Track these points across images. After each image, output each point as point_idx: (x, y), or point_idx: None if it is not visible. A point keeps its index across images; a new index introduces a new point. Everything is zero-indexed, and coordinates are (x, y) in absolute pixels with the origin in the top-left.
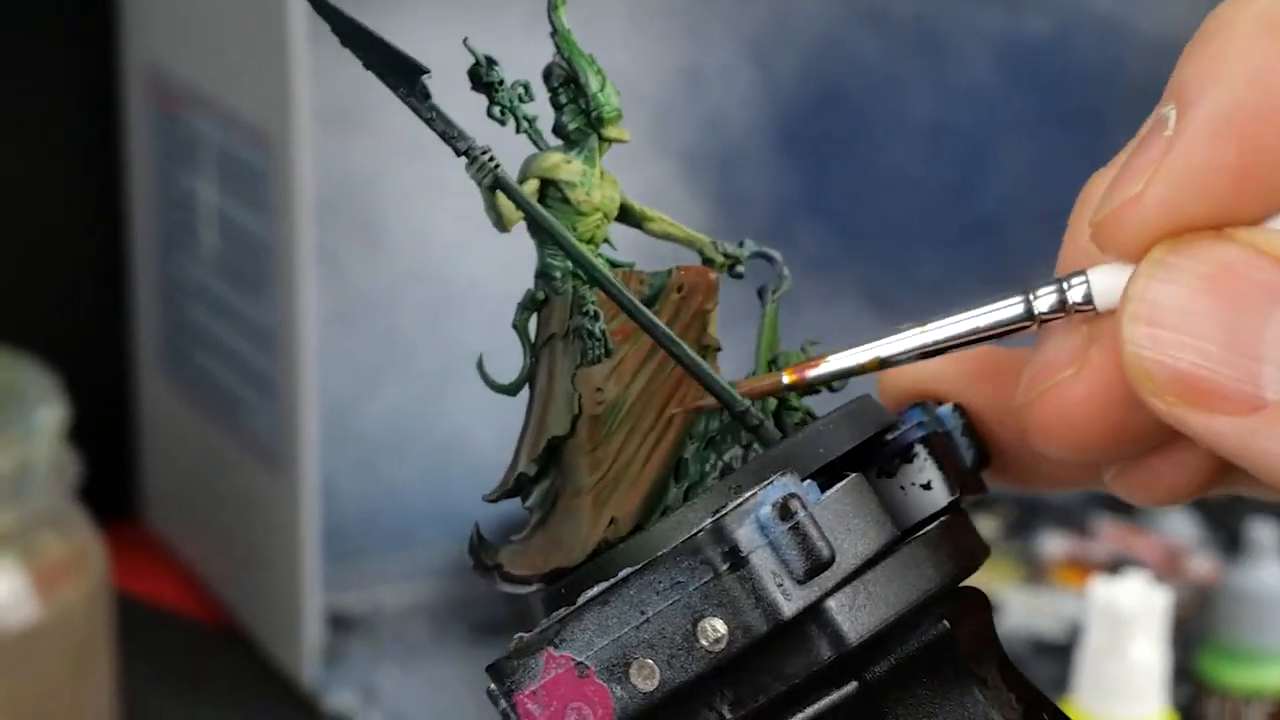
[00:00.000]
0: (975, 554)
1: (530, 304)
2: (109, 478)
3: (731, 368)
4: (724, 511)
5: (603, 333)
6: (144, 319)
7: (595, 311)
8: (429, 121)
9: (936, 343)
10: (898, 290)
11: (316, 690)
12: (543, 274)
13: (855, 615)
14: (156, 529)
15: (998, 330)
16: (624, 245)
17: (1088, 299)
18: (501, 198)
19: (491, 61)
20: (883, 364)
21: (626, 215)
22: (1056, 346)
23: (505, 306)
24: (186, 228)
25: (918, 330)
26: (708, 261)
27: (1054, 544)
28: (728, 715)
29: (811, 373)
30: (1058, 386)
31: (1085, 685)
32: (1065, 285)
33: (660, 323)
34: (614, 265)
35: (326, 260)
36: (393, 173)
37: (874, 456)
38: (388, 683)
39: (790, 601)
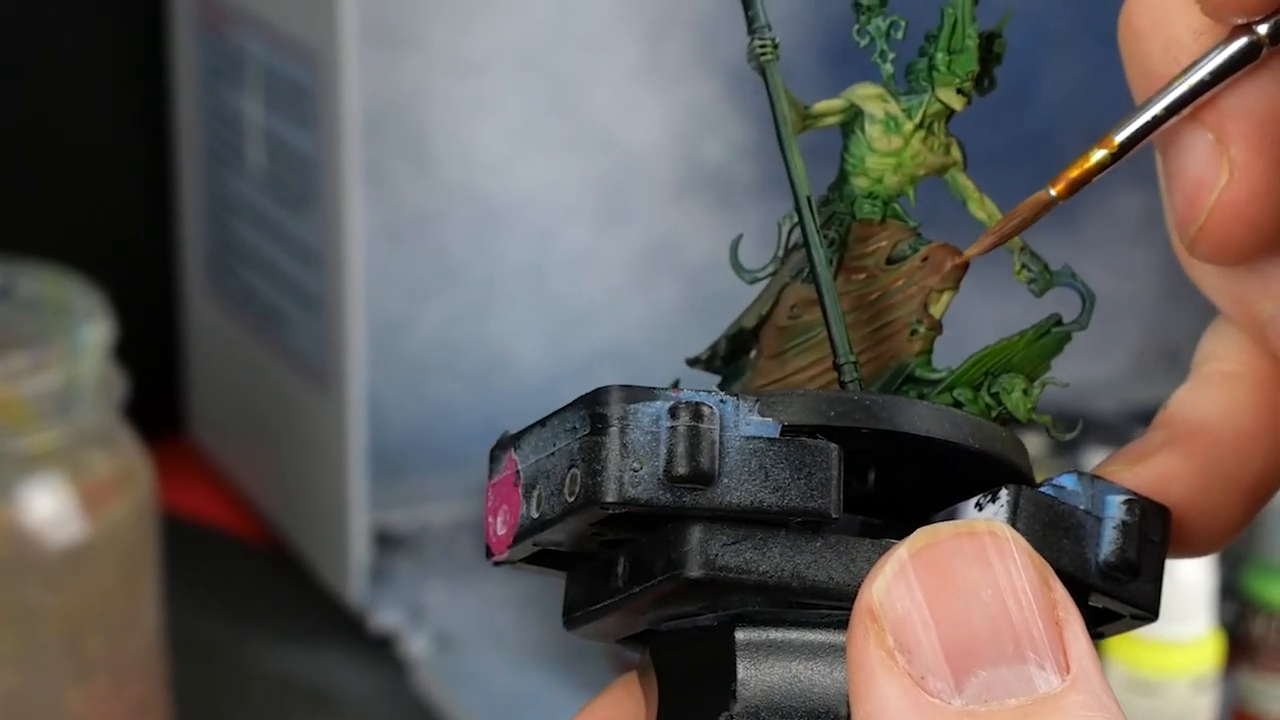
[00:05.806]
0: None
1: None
2: (155, 395)
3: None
4: (647, 391)
5: (832, 260)
6: (190, 236)
7: (833, 238)
8: None
9: (1167, 108)
10: (946, 206)
11: (363, 608)
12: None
13: (720, 553)
14: (203, 446)
15: (1225, 73)
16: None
17: None
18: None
19: None
20: (1120, 152)
21: (951, 185)
22: (1194, 163)
23: (551, 223)
24: (233, 145)
25: (1143, 108)
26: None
27: (1099, 459)
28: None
29: (1055, 188)
30: (1223, 195)
31: None
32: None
33: (821, 259)
34: (894, 217)
35: (373, 178)
36: (439, 90)
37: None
38: (434, 601)
39: (629, 490)
